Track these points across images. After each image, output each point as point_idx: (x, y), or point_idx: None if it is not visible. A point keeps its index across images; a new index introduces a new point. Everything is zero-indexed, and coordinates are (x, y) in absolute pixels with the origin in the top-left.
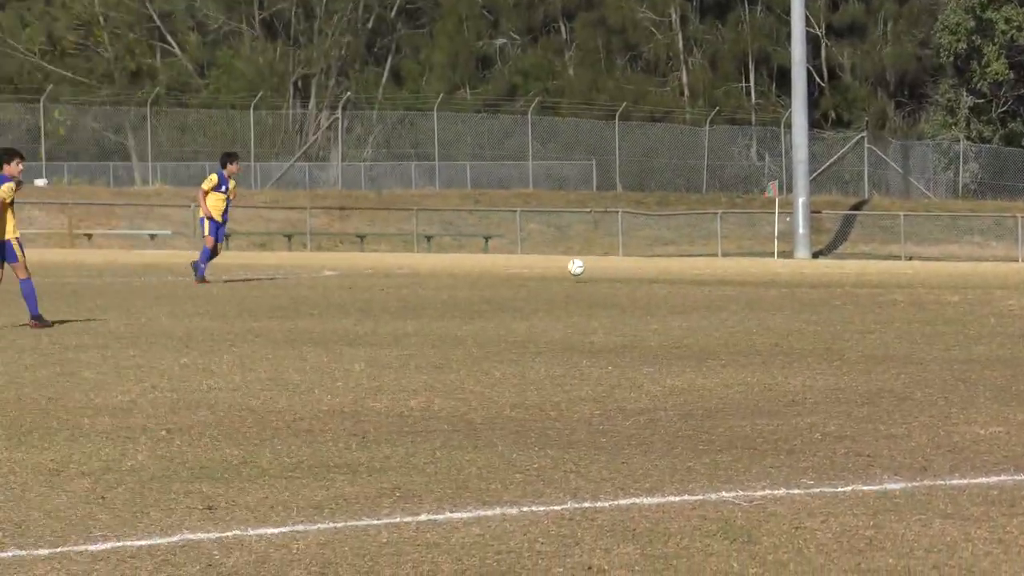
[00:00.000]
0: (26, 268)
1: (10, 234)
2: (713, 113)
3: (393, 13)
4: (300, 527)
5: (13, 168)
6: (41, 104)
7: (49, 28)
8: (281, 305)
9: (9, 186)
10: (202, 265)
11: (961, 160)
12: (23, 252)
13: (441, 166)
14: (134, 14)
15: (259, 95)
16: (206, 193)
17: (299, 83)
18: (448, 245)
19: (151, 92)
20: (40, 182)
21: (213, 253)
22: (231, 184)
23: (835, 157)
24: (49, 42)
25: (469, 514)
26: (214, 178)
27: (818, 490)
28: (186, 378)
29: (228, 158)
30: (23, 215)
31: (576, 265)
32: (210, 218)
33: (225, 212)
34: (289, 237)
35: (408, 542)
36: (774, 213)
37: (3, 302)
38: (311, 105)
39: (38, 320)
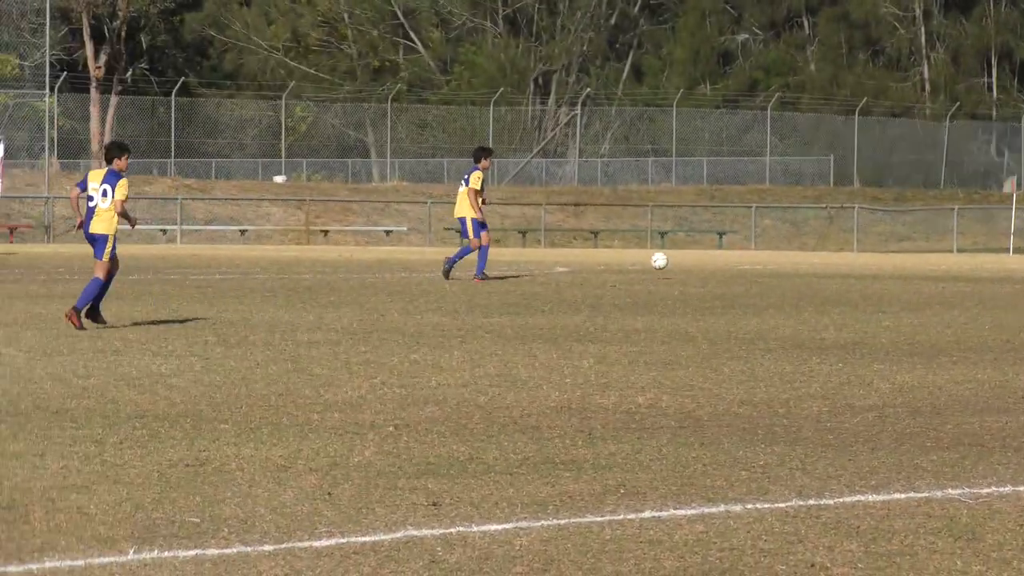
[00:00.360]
0: (105, 269)
1: (107, 229)
2: (954, 108)
3: (636, 8)
4: (524, 524)
5: (123, 163)
6: (283, 101)
7: (294, 25)
8: (512, 302)
9: (126, 182)
10: (480, 265)
11: None
12: (112, 250)
13: (678, 162)
14: (378, 11)
15: (499, 91)
16: (477, 193)
17: (539, 79)
18: (682, 241)
19: (393, 88)
20: (279, 179)
21: (472, 246)
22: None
23: None
24: (293, 39)
25: (693, 511)
26: (480, 175)
27: None
28: (415, 374)
29: (484, 153)
30: (262, 211)
31: (659, 259)
32: (473, 218)
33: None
34: (524, 233)
35: (631, 539)
36: (1011, 208)
37: (234, 297)
38: (551, 101)
39: (75, 314)
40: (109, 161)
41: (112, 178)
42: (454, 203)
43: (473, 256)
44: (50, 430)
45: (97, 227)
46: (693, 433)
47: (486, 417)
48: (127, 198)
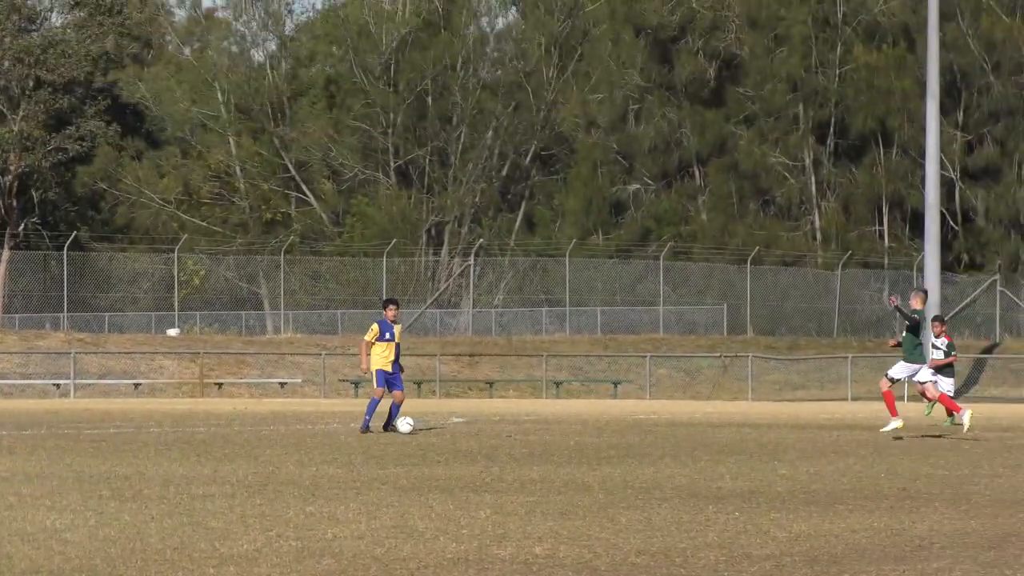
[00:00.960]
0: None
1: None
2: (846, 257)
3: (527, 160)
4: None
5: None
6: (176, 254)
7: (185, 178)
8: (408, 452)
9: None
10: (367, 417)
11: None
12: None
13: (572, 311)
14: (270, 164)
15: (392, 243)
16: (369, 344)
17: (432, 230)
18: (577, 391)
19: (285, 240)
20: (172, 331)
21: (395, 400)
22: (396, 330)
23: (967, 300)
24: (185, 192)
25: None
26: (375, 328)
27: None
28: (311, 526)
29: (387, 304)
30: (156, 364)
31: (403, 426)
32: (378, 369)
33: (396, 360)
34: (419, 384)
35: None
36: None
37: (128, 450)
38: (443, 252)
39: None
40: None
41: None
42: (350, 354)
43: (384, 406)
44: None
45: None
46: None
47: (383, 569)
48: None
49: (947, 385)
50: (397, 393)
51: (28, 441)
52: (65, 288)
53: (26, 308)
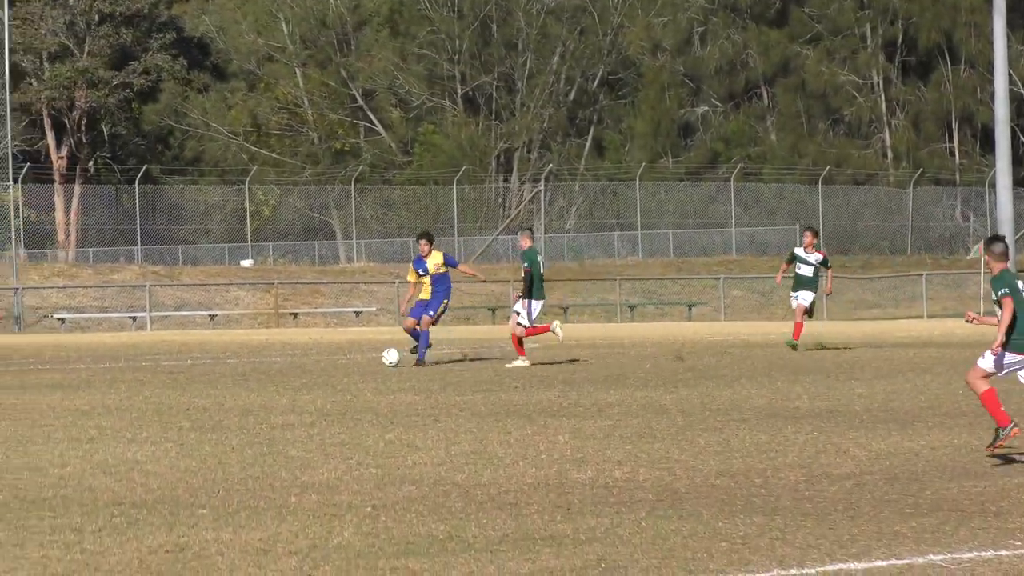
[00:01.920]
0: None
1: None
2: (917, 174)
3: (595, 84)
4: None
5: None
6: (246, 186)
7: (253, 111)
8: (485, 379)
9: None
10: (422, 350)
11: None
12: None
13: (644, 235)
14: (337, 95)
15: (462, 170)
16: (413, 285)
17: (501, 157)
18: (652, 314)
19: (355, 170)
20: (246, 263)
21: (434, 322)
22: (430, 262)
23: None
24: (253, 124)
25: None
26: (411, 268)
27: None
28: (391, 454)
29: (418, 239)
30: (230, 296)
31: (389, 356)
32: (418, 301)
33: (442, 290)
34: (493, 311)
35: None
36: (979, 273)
37: (206, 382)
38: (513, 178)
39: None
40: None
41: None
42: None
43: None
44: (28, 520)
45: None
46: (671, 506)
47: (463, 495)
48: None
49: (807, 299)
50: (425, 318)
51: (106, 374)
52: (138, 222)
53: (99, 242)
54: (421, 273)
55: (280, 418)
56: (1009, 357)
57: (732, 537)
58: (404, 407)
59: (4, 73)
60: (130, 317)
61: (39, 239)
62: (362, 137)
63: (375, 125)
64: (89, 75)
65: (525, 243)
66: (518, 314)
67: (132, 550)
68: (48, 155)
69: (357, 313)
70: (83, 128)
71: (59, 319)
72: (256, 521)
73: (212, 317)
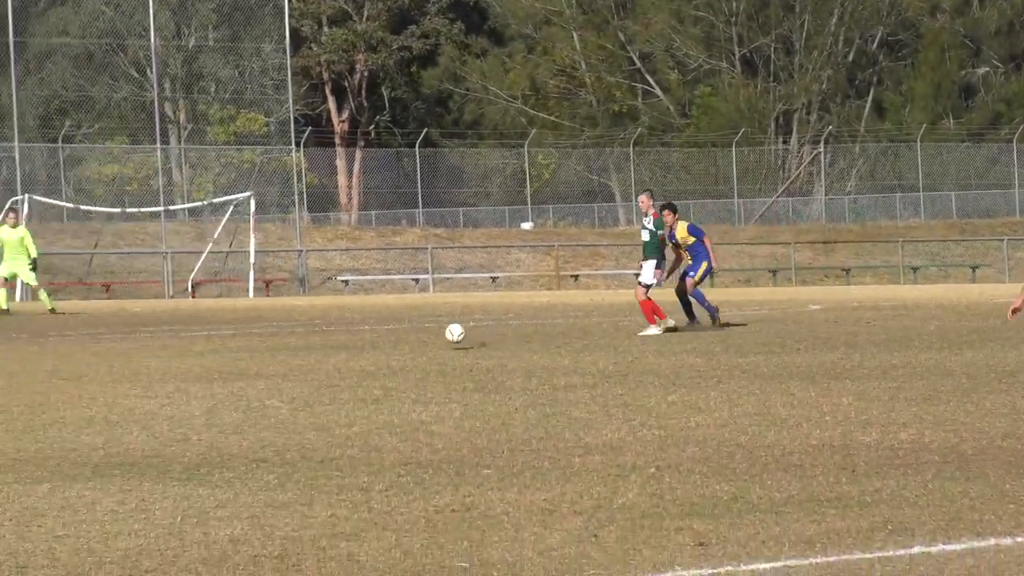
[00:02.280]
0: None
1: None
2: None
3: (874, 46)
4: (792, 562)
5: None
6: (525, 149)
7: (531, 74)
8: (767, 341)
9: None
10: (710, 308)
11: None
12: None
13: (925, 196)
14: (614, 57)
15: (740, 132)
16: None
17: (780, 119)
18: (935, 276)
19: (633, 132)
20: (526, 225)
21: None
22: (677, 234)
23: None
24: (531, 88)
25: (962, 546)
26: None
27: None
28: (673, 415)
29: (662, 209)
30: (511, 258)
31: (455, 333)
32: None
33: (701, 252)
34: (774, 272)
35: None
36: None
37: (489, 343)
38: (793, 140)
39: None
40: None
41: None
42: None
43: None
44: (316, 479)
45: None
46: (958, 468)
47: (748, 456)
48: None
49: (648, 274)
50: (689, 280)
51: (391, 336)
52: (419, 185)
53: (380, 205)
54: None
55: (563, 379)
56: None
57: (1020, 499)
58: (686, 369)
59: (284, 38)
60: (412, 279)
61: (322, 203)
62: (640, 100)
63: (653, 88)
64: (367, 38)
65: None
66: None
67: (419, 509)
68: (329, 119)
69: (637, 275)
70: (363, 92)
71: (343, 281)
72: (540, 481)
73: (493, 279)
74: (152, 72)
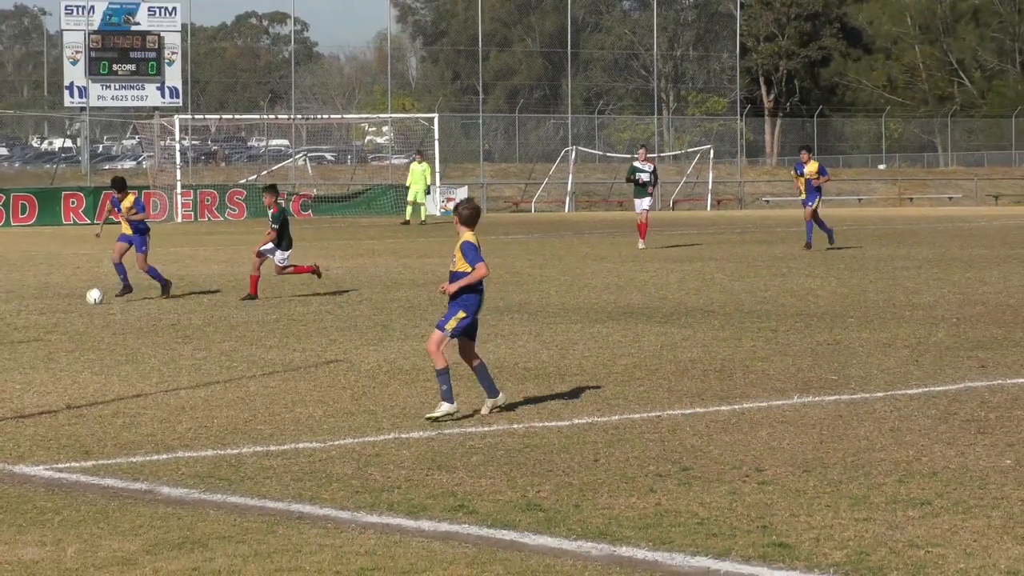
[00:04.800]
0: None
1: None
2: None
3: None
4: None
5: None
6: (883, 119)
7: (888, 72)
8: None
9: None
10: None
11: None
12: None
13: None
14: (940, 61)
15: (1017, 109)
16: None
17: None
18: None
19: (951, 109)
20: (881, 167)
21: None
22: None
23: None
24: (887, 80)
25: None
26: None
27: None
28: (968, 285)
29: None
30: (871, 187)
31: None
32: None
33: None
34: None
35: None
36: None
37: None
38: None
39: None
40: None
41: None
42: None
43: None
44: (744, 324)
45: None
46: None
47: (1013, 312)
48: None
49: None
50: None
51: (796, 236)
52: (815, 141)
53: (791, 153)
54: None
55: (900, 263)
56: None
57: None
58: (976, 257)
59: (736, 49)
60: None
61: (754, 151)
62: (955, 88)
63: (963, 80)
64: (786, 51)
65: None
66: None
67: (807, 342)
68: (761, 100)
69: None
70: (783, 83)
71: (765, 200)
72: (883, 326)
73: (859, 200)
74: (653, 72)
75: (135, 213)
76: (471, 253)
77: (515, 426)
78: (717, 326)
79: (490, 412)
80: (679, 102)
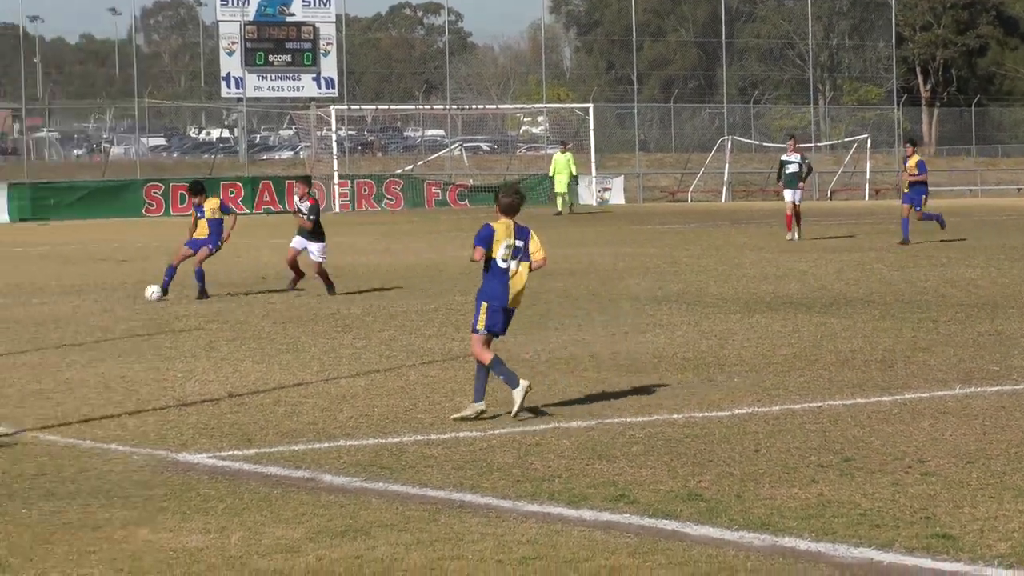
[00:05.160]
0: None
1: None
2: None
3: None
4: None
5: None
6: None
7: None
8: None
9: None
10: None
11: None
12: None
13: None
14: None
15: None
16: None
17: None
18: None
19: None
20: None
21: None
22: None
23: None
24: None
25: None
26: None
27: None
28: None
29: None
30: None
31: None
32: None
33: None
34: None
35: None
36: None
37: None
38: None
39: None
40: None
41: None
42: None
43: None
44: (903, 313)
45: None
46: None
47: None
48: None
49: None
50: None
51: (969, 226)
52: (973, 130)
53: (948, 142)
54: None
55: None
56: None
57: None
58: None
59: (891, 39)
60: (967, 189)
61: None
62: None
63: None
64: (943, 39)
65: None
66: None
67: (969, 333)
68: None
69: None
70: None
71: None
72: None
73: (1019, 190)
74: (808, 61)
75: (223, 214)
76: (477, 236)
77: (675, 416)
78: (877, 316)
79: (461, 417)
80: (834, 91)
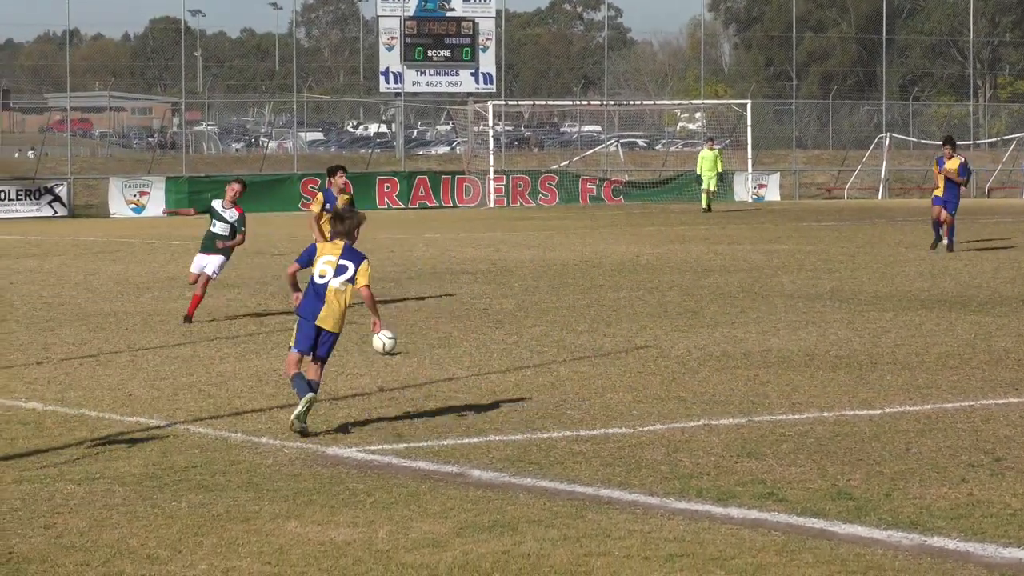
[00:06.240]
0: None
1: None
2: None
3: None
4: None
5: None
6: None
7: None
8: None
9: None
10: None
11: None
12: None
13: None
14: None
15: None
16: None
17: None
18: None
19: None
20: None
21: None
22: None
23: None
24: None
25: None
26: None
27: None
28: None
29: None
30: None
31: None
32: None
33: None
34: None
35: None
36: None
37: None
38: None
39: None
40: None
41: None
42: None
43: None
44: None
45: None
46: None
47: None
48: None
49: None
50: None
51: None
52: None
53: None
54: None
55: None
56: None
57: None
58: None
59: None
60: None
61: None
62: None
63: None
64: None
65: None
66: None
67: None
68: None
69: None
70: None
71: None
72: None
73: None
74: (970, 58)
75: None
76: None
77: (826, 414)
78: None
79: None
80: (995, 88)
